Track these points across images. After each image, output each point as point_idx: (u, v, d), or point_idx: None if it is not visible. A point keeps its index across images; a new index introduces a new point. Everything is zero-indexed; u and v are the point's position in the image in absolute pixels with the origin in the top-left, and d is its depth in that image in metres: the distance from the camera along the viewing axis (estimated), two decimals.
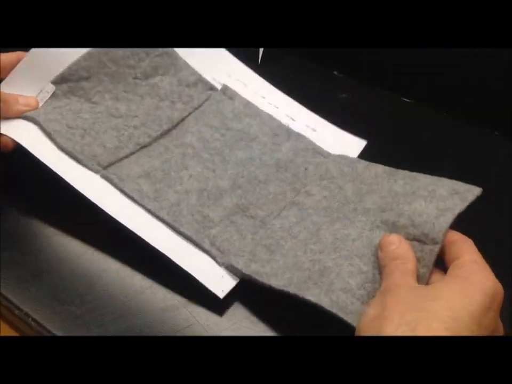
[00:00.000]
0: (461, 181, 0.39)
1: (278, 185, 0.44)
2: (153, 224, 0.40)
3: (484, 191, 0.38)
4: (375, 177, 0.43)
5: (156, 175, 0.43)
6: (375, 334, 0.30)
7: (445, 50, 0.46)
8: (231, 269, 0.38)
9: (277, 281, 0.37)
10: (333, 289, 0.36)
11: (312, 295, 0.35)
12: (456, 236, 0.37)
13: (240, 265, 0.38)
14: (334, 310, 0.34)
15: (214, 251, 0.39)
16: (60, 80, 0.46)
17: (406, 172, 0.43)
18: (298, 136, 0.48)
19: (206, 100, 0.50)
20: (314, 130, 0.50)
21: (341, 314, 0.34)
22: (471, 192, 0.39)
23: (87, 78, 0.46)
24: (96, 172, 0.42)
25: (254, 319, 0.38)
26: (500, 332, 0.33)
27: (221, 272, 0.39)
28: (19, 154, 0.42)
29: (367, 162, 0.45)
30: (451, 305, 0.30)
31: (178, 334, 0.37)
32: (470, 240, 0.36)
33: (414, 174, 0.42)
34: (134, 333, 0.37)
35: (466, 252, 0.34)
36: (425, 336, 0.28)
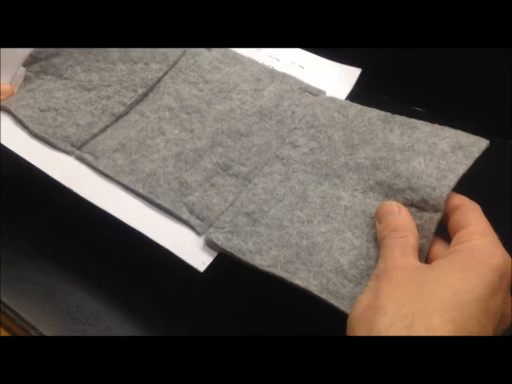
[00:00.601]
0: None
1: (262, 136, 0.40)
2: (128, 200, 0.38)
3: (491, 197, 0.34)
4: (368, 125, 0.39)
5: (131, 146, 0.40)
6: (366, 329, 0.27)
7: (457, 57, 0.45)
8: (211, 245, 0.35)
9: (262, 260, 0.34)
10: (323, 270, 0.32)
11: (300, 278, 0.32)
12: (461, 200, 0.32)
13: (220, 241, 0.35)
14: (323, 296, 0.31)
15: (193, 220, 0.36)
16: (30, 61, 0.44)
17: (404, 118, 0.38)
18: (284, 77, 0.44)
19: (182, 55, 0.46)
20: (302, 67, 0.45)
21: (331, 300, 0.31)
22: (477, 145, 0.34)
23: (56, 54, 0.45)
24: (70, 153, 0.40)
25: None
26: (509, 314, 0.29)
27: (202, 242, 0.36)
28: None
29: (360, 106, 0.40)
30: (454, 290, 0.26)
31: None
32: (477, 205, 0.32)
33: (413, 120, 0.38)
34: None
35: (472, 221, 0.30)
36: (424, 336, 0.25)
